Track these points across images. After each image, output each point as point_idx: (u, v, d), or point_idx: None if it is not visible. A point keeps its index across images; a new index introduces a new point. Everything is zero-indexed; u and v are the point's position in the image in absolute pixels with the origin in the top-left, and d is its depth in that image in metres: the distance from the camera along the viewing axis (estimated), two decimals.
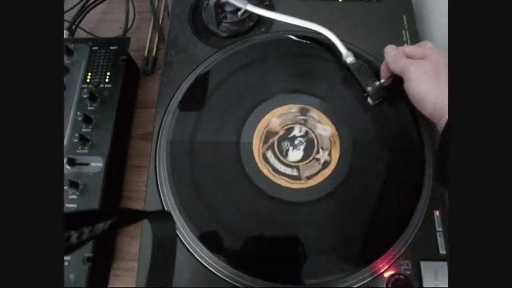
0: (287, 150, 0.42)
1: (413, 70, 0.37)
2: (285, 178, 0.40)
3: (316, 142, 0.42)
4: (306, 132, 0.43)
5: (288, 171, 0.41)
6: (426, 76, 0.36)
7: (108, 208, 0.41)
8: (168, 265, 0.32)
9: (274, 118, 0.43)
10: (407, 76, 0.37)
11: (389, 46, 0.41)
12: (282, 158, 0.41)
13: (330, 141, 0.42)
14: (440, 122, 0.35)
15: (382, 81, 0.42)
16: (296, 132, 0.43)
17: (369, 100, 0.43)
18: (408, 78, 0.37)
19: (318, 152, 0.42)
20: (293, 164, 0.41)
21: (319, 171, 0.41)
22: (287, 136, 0.42)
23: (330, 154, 0.42)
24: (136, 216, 0.35)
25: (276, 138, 0.42)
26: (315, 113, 0.44)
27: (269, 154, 0.41)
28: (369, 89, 0.42)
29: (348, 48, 0.44)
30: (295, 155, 0.42)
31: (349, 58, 0.44)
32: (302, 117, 0.43)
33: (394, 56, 0.40)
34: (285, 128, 0.43)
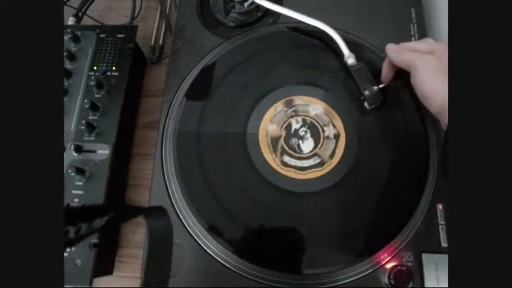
0: (299, 145, 0.42)
1: (420, 65, 0.36)
2: (291, 168, 0.41)
3: (317, 123, 0.43)
4: (304, 120, 0.43)
5: (308, 161, 0.41)
6: (434, 73, 0.35)
7: (106, 204, 0.41)
8: (165, 261, 0.32)
9: (269, 125, 0.43)
10: (414, 72, 0.36)
11: (390, 44, 0.40)
12: (299, 154, 0.41)
13: (328, 116, 0.43)
14: (446, 120, 0.34)
15: (381, 86, 0.42)
16: (295, 125, 0.43)
17: (365, 104, 0.43)
18: (415, 74, 0.36)
19: (323, 131, 0.42)
20: (312, 154, 0.41)
21: (336, 145, 0.41)
22: (290, 133, 0.42)
23: (334, 127, 0.42)
24: (134, 212, 0.35)
25: (281, 141, 0.42)
26: (299, 99, 0.44)
27: (287, 158, 0.41)
28: (366, 92, 0.41)
29: (351, 50, 0.43)
30: (308, 145, 0.42)
31: (350, 60, 0.43)
32: (291, 110, 0.43)
33: (398, 49, 0.39)
34: (284, 127, 0.43)
